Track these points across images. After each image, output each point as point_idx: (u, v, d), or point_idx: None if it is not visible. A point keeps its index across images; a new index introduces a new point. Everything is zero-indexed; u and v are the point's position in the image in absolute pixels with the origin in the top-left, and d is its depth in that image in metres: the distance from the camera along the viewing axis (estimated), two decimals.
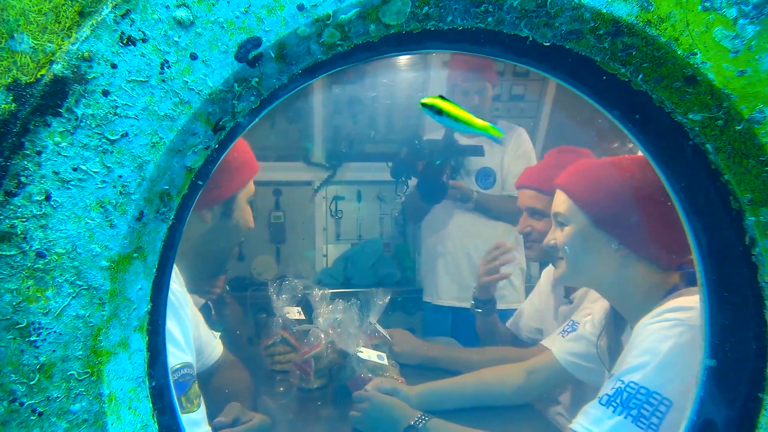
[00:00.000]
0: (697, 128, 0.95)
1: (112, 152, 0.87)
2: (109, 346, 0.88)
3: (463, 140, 3.49)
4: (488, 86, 3.46)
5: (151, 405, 0.94)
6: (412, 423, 1.80)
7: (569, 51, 0.95)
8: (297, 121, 4.63)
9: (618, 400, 1.47)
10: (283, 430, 2.10)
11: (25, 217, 0.85)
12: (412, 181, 3.56)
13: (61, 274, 0.86)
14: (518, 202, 2.67)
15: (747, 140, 0.91)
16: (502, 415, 2.13)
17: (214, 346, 2.19)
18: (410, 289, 4.51)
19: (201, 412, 1.59)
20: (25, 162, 0.85)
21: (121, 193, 0.88)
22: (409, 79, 4.55)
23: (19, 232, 0.85)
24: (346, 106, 4.68)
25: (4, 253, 0.84)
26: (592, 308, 2.36)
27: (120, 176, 0.88)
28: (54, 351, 0.85)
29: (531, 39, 0.94)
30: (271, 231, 4.69)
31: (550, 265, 2.71)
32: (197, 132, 0.92)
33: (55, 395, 0.85)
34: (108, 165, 0.87)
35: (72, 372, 0.86)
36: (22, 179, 0.85)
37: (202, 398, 1.63)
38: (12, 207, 0.84)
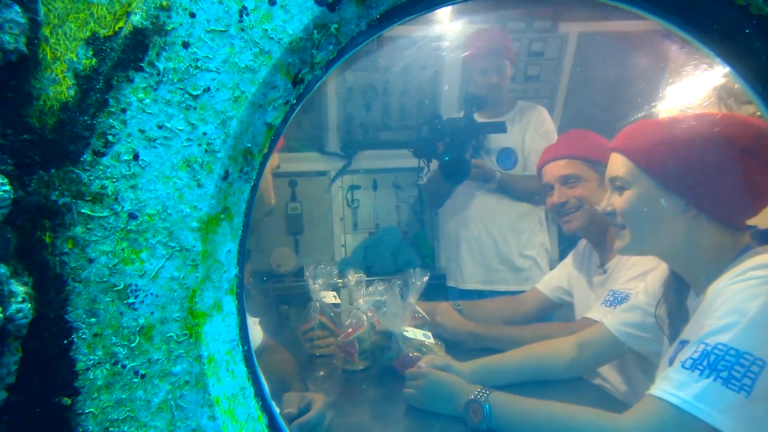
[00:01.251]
0: None
1: (195, 108, 0.85)
2: (204, 308, 0.86)
3: (482, 119, 3.45)
4: (507, 64, 3.42)
5: (246, 368, 0.91)
6: (473, 397, 1.76)
7: None
8: (310, 110, 4.60)
9: (705, 363, 1.40)
10: (335, 412, 2.08)
11: (115, 178, 0.82)
12: (433, 164, 3.52)
13: (153, 236, 0.84)
14: (547, 178, 2.62)
15: None
16: (554, 387, 2.10)
17: (256, 331, 2.16)
18: (431, 275, 4.50)
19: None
20: (111, 120, 0.82)
21: (206, 151, 0.85)
22: (422, 62, 4.51)
23: (110, 193, 0.82)
24: (360, 94, 4.64)
25: (97, 214, 0.81)
26: (629, 274, 2.33)
27: (204, 133, 0.85)
28: (152, 313, 0.83)
29: None
30: (289, 222, 4.69)
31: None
32: (278, 85, 0.89)
33: (156, 357, 0.83)
34: (192, 122, 0.85)
35: (171, 334, 0.83)
36: (110, 138, 0.82)
37: None
38: (101, 167, 0.82)
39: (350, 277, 2.55)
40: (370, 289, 2.48)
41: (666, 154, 1.63)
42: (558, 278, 2.84)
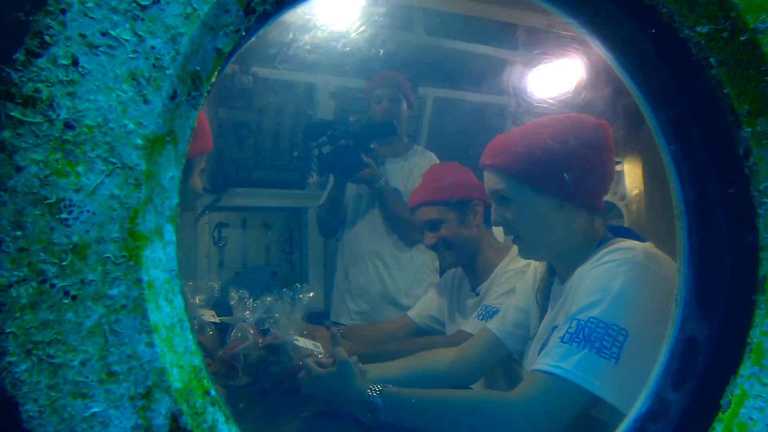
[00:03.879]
0: (702, 42, 1.03)
1: (143, 20, 0.80)
2: (146, 231, 0.78)
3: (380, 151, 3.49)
4: (402, 98, 3.52)
5: (183, 301, 0.84)
6: (367, 392, 1.74)
7: None
8: None
9: (580, 336, 1.55)
10: None
11: (50, 82, 0.74)
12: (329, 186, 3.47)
13: (92, 149, 0.76)
14: (416, 221, 2.74)
15: (749, 51, 1.00)
16: None
17: None
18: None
19: None
20: (48, 20, 0.75)
21: (154, 66, 0.81)
22: (296, 105, 4.55)
23: (45, 98, 0.74)
24: (231, 130, 4.56)
25: (28, 119, 0.73)
26: (499, 290, 2.48)
27: (153, 47, 0.81)
28: (88, 231, 0.74)
29: None
30: None
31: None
32: (230, 9, 0.87)
33: (91, 278, 0.73)
34: (139, 33, 0.80)
35: (108, 255, 0.75)
36: (46, 38, 0.75)
37: None
38: (35, 69, 0.74)
39: (233, 294, 2.44)
40: (258, 302, 2.39)
41: (530, 159, 1.80)
42: (429, 307, 2.94)
